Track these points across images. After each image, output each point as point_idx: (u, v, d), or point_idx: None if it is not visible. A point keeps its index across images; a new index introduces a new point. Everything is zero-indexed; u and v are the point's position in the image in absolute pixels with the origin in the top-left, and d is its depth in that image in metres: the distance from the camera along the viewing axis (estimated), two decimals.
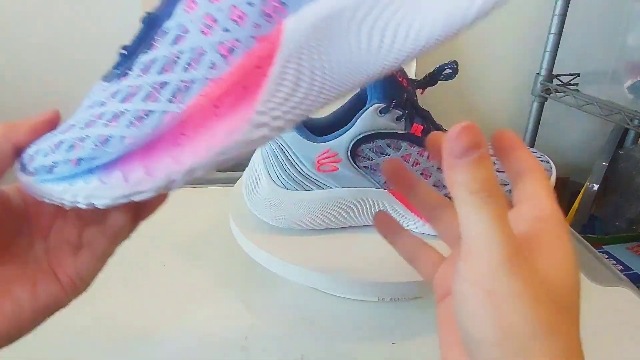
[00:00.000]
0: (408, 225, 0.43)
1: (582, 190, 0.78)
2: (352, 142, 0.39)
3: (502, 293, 0.18)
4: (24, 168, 0.21)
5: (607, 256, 0.65)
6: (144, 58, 0.20)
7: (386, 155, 0.40)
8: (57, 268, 0.24)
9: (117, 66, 0.21)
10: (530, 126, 0.82)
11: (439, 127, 0.42)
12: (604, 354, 0.38)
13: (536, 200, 0.22)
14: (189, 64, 0.19)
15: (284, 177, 0.41)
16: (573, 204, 0.80)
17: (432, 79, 0.41)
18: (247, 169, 0.45)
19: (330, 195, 0.41)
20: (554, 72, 0.78)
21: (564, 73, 0.78)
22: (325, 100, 0.20)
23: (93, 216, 0.24)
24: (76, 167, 0.20)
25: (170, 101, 0.19)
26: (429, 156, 0.41)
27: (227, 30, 0.19)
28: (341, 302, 0.43)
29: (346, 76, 0.19)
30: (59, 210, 0.24)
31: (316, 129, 0.40)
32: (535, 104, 0.80)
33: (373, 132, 0.39)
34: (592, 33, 0.77)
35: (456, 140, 0.19)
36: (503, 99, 0.85)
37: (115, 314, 0.42)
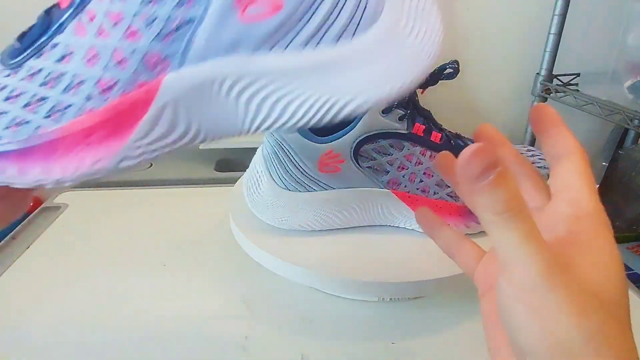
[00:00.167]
0: (411, 225, 0.43)
1: None
2: (355, 143, 0.39)
3: (546, 308, 0.18)
4: None
5: None
6: (32, 62, 0.20)
7: (389, 155, 0.40)
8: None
9: (12, 55, 0.21)
10: (530, 126, 0.82)
11: (439, 127, 0.42)
12: None
13: (572, 192, 0.22)
14: (69, 88, 0.20)
15: (286, 178, 0.41)
16: None
17: (432, 78, 0.41)
18: (247, 170, 0.45)
19: (333, 196, 0.41)
20: (554, 72, 0.78)
21: (564, 73, 0.78)
22: (203, 141, 0.21)
23: None
24: None
25: (46, 117, 0.20)
26: (431, 155, 0.41)
27: (108, 68, 0.19)
28: (341, 302, 0.43)
29: (222, 130, 0.21)
30: None
31: (317, 130, 0.40)
32: (535, 104, 0.80)
33: (376, 132, 0.39)
34: (592, 33, 0.77)
35: (468, 165, 0.18)
36: (503, 99, 0.85)
37: (115, 313, 0.42)
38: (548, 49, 0.76)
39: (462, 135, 0.44)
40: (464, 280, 0.39)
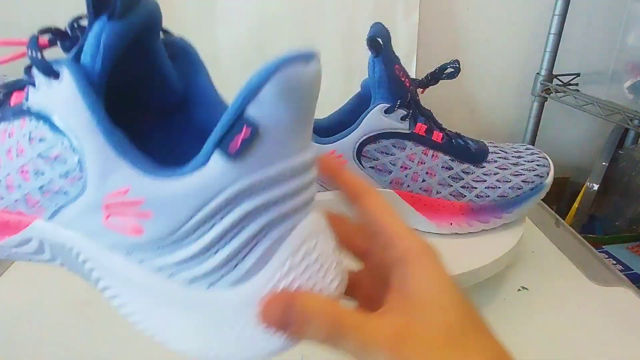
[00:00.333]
0: (414, 225, 0.43)
1: (582, 190, 0.78)
2: (358, 143, 0.39)
3: None
4: None
5: (607, 256, 0.65)
6: None
7: (391, 155, 0.40)
8: None
9: None
10: (530, 126, 0.82)
11: (440, 126, 0.42)
12: (604, 354, 0.38)
13: (385, 233, 0.22)
14: None
15: None
16: (573, 204, 0.79)
17: (433, 78, 0.41)
18: None
19: (336, 196, 0.41)
20: (554, 72, 0.78)
21: (564, 73, 0.78)
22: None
23: None
24: None
25: None
26: (433, 155, 0.41)
27: (1, 183, 0.22)
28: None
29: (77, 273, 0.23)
30: None
31: (318, 130, 0.40)
32: (535, 104, 0.80)
33: (378, 132, 0.39)
34: (592, 33, 0.77)
35: (267, 317, 0.19)
36: (503, 99, 0.85)
37: (116, 313, 0.42)
38: (548, 49, 0.76)
39: (462, 134, 0.44)
40: (463, 280, 0.40)
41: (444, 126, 0.43)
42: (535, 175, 0.43)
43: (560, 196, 0.88)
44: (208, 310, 0.19)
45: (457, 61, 0.40)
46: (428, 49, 0.78)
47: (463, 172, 0.42)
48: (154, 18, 0.21)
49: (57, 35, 0.21)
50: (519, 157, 0.45)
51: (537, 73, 0.79)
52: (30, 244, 0.23)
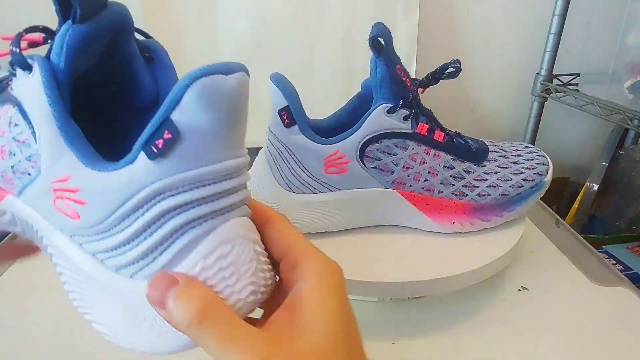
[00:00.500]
0: (416, 224, 0.43)
1: (582, 190, 0.78)
2: (361, 143, 0.39)
3: None
4: None
5: (607, 256, 0.65)
6: None
7: (394, 155, 0.40)
8: None
9: None
10: (530, 126, 0.82)
11: (441, 126, 0.42)
12: (604, 354, 0.38)
13: (289, 255, 0.22)
14: None
15: (291, 180, 0.41)
16: (573, 204, 0.80)
17: (434, 77, 0.41)
18: (249, 172, 0.44)
19: (338, 197, 0.41)
20: (554, 72, 0.78)
21: (564, 73, 0.78)
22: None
23: None
24: None
25: None
26: (435, 155, 0.41)
27: None
28: None
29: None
30: None
31: (319, 131, 0.40)
32: (535, 104, 0.80)
33: (381, 132, 0.39)
34: (592, 33, 0.77)
35: (150, 293, 0.19)
36: (503, 99, 0.85)
37: None
38: (548, 49, 0.76)
39: (461, 134, 0.44)
40: (463, 281, 0.40)
41: (444, 126, 0.43)
42: (535, 173, 0.43)
43: (560, 196, 0.88)
44: (129, 299, 0.21)
45: (458, 61, 0.40)
46: (428, 49, 0.78)
47: (464, 171, 0.42)
48: (121, 22, 0.23)
49: (47, 34, 0.23)
50: (518, 155, 0.45)
51: (537, 73, 0.79)
52: (6, 216, 0.26)
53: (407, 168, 0.40)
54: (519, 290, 0.45)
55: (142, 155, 0.18)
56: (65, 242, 0.22)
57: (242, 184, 0.21)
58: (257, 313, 0.24)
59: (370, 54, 0.38)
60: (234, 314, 0.19)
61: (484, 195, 0.42)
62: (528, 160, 0.44)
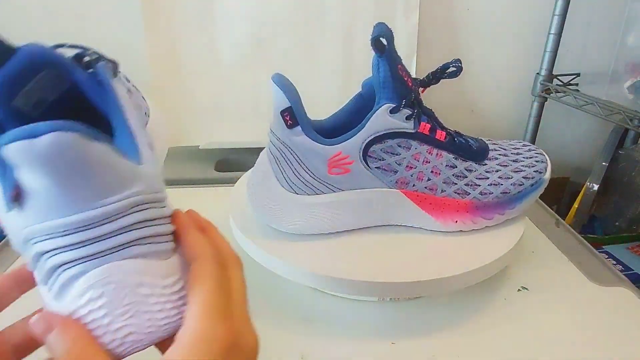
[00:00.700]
0: (419, 224, 0.43)
1: (582, 190, 0.78)
2: (364, 143, 0.39)
3: None
4: None
5: (607, 256, 0.65)
6: None
7: (397, 155, 0.40)
8: None
9: None
10: (530, 126, 0.82)
11: (442, 125, 0.42)
12: (604, 354, 0.38)
13: (187, 315, 0.22)
14: None
15: (294, 181, 0.40)
16: (573, 204, 0.80)
17: (435, 77, 0.41)
18: (250, 174, 0.43)
19: (342, 197, 0.41)
20: (554, 72, 0.78)
21: (564, 73, 0.78)
22: None
23: None
24: None
25: None
26: (437, 154, 0.41)
27: None
28: (341, 302, 0.43)
29: None
30: None
31: (321, 131, 0.40)
32: (535, 104, 0.80)
33: (384, 132, 0.39)
34: (592, 33, 0.77)
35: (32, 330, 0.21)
36: (503, 99, 0.85)
37: None
38: (548, 49, 0.76)
39: (461, 133, 0.44)
40: (463, 280, 0.40)
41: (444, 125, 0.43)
42: (535, 171, 0.44)
43: (560, 196, 0.88)
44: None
45: (459, 60, 0.40)
46: (428, 49, 0.78)
47: (466, 170, 0.42)
48: (41, 60, 0.23)
49: None
50: (517, 153, 0.45)
51: (537, 73, 0.79)
52: None
53: (411, 168, 0.40)
54: (519, 290, 0.45)
55: (10, 205, 0.21)
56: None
57: (126, 226, 0.21)
58: None
59: (370, 53, 0.38)
60: (103, 355, 0.20)
61: (486, 193, 0.42)
62: (527, 158, 0.45)
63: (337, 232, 0.43)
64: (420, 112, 0.40)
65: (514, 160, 0.44)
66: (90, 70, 0.24)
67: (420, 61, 0.76)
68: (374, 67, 0.38)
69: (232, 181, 0.53)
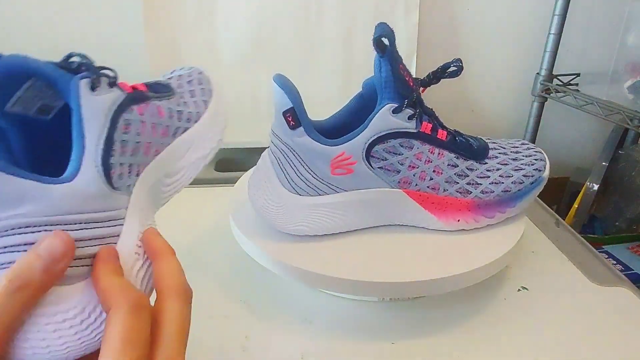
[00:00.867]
0: (422, 223, 0.43)
1: (582, 190, 0.78)
2: (367, 144, 0.39)
3: None
4: None
5: (607, 256, 0.65)
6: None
7: (399, 154, 0.40)
8: None
9: None
10: (530, 126, 0.82)
11: (442, 125, 0.42)
12: (604, 353, 0.38)
13: None
14: None
15: (296, 182, 0.40)
16: (573, 204, 0.80)
17: (436, 77, 0.41)
18: (252, 177, 0.43)
19: (346, 198, 0.41)
20: (554, 72, 0.78)
21: (564, 73, 0.78)
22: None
23: None
24: None
25: None
26: (439, 154, 0.41)
27: None
28: (341, 302, 0.43)
29: None
30: None
31: (322, 132, 0.40)
32: (535, 104, 0.80)
33: (387, 132, 0.39)
34: (592, 33, 0.77)
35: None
36: (503, 99, 0.85)
37: None
38: (548, 49, 0.76)
39: (461, 132, 0.44)
40: (463, 280, 0.40)
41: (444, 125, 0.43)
42: (534, 169, 0.44)
43: (560, 196, 0.88)
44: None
45: (460, 60, 0.40)
46: (428, 49, 0.78)
47: (468, 169, 0.42)
48: (21, 69, 0.23)
49: None
50: (517, 152, 0.46)
51: (537, 73, 0.79)
52: None
53: (413, 167, 0.41)
54: (519, 290, 0.45)
55: None
56: None
57: (4, 246, 0.21)
58: None
59: (370, 53, 0.38)
60: None
61: (487, 192, 0.42)
62: (526, 156, 0.45)
63: (339, 232, 0.43)
64: (422, 111, 0.40)
65: (513, 159, 0.44)
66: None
67: (420, 61, 0.76)
68: (375, 67, 0.38)
69: (232, 181, 0.53)
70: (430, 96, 0.46)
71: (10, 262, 0.20)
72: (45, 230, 0.21)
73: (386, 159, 0.40)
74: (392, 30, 0.38)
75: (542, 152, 0.46)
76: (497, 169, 0.43)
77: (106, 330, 0.21)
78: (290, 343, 0.39)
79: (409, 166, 0.40)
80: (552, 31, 0.74)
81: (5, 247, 0.21)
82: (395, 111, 0.38)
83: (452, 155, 0.41)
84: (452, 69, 0.40)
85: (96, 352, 0.21)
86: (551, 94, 0.78)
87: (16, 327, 0.20)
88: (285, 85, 0.37)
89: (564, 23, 0.74)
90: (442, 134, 0.41)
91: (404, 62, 0.40)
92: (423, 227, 0.44)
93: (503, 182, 0.43)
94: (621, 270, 0.56)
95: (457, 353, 0.38)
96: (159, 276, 0.24)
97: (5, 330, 0.20)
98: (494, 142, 0.46)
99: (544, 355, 0.38)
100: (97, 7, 0.72)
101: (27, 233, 0.21)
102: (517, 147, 0.46)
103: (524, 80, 0.82)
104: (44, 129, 0.25)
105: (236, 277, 0.46)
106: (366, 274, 0.38)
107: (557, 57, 0.76)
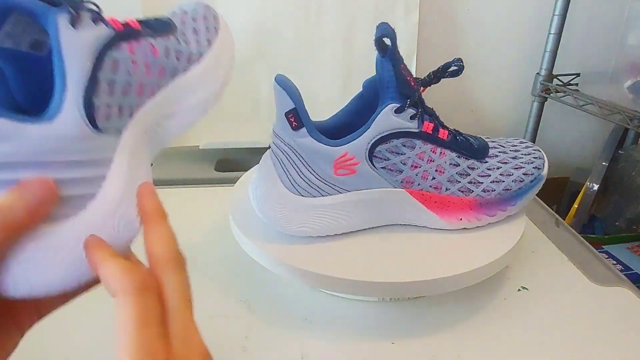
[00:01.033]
0: (424, 223, 0.43)
1: (582, 190, 0.78)
2: (370, 144, 0.39)
3: None
4: None
5: (607, 256, 0.65)
6: None
7: (402, 154, 0.40)
8: (19, 315, 0.25)
9: None
10: (530, 126, 0.82)
11: (443, 124, 0.42)
12: (604, 353, 0.38)
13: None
14: None
15: (299, 183, 0.40)
16: (573, 204, 0.80)
17: (436, 76, 0.41)
18: (253, 179, 0.43)
19: (349, 198, 0.41)
20: (554, 72, 0.78)
21: (564, 73, 0.78)
22: None
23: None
24: None
25: None
26: (441, 153, 0.41)
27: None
28: (341, 302, 0.44)
29: None
30: None
31: (323, 132, 0.40)
32: (535, 104, 0.80)
33: (389, 132, 0.39)
34: (592, 33, 0.77)
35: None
36: (503, 99, 0.85)
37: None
38: (548, 49, 0.76)
39: (461, 131, 0.44)
40: (463, 280, 0.40)
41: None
42: (534, 167, 0.44)
43: (560, 196, 0.88)
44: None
45: (460, 59, 0.40)
46: (428, 48, 0.78)
47: (469, 168, 0.42)
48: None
49: None
50: (516, 150, 0.46)
51: (537, 73, 0.79)
52: None
53: (415, 167, 0.41)
54: (519, 290, 0.45)
55: None
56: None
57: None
58: None
59: (370, 53, 0.38)
60: None
61: (488, 190, 0.42)
62: (526, 155, 0.45)
63: (341, 233, 0.43)
64: (424, 111, 0.40)
65: (513, 157, 0.45)
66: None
67: (420, 61, 0.76)
68: (377, 67, 0.38)
69: (232, 181, 0.53)
70: (430, 96, 0.46)
71: None
72: (25, 170, 0.21)
73: (389, 159, 0.40)
74: (394, 30, 0.38)
75: (541, 150, 0.47)
76: (498, 168, 0.43)
77: (118, 316, 0.21)
78: (290, 343, 0.39)
79: (412, 166, 0.40)
80: (552, 31, 0.74)
81: None
82: (397, 111, 0.38)
83: (454, 154, 0.42)
84: (452, 68, 0.40)
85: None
86: (551, 94, 0.78)
87: None
88: (287, 85, 0.37)
89: (564, 23, 0.74)
90: (443, 134, 0.41)
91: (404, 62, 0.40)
92: (425, 227, 0.44)
93: (504, 181, 0.43)
94: (621, 270, 0.56)
95: (457, 353, 0.38)
96: (149, 244, 0.24)
97: None
98: (493, 141, 0.46)
99: (544, 355, 0.38)
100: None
101: (3, 171, 0.21)
102: (515, 145, 0.47)
103: (524, 80, 0.82)
104: (43, 66, 0.24)
105: (236, 277, 0.46)
106: (366, 274, 0.38)
107: (557, 57, 0.76)
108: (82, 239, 0.23)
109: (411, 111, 0.39)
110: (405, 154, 0.40)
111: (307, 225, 0.41)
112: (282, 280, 0.42)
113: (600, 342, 0.39)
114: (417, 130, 0.39)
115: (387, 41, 0.37)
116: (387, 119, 0.38)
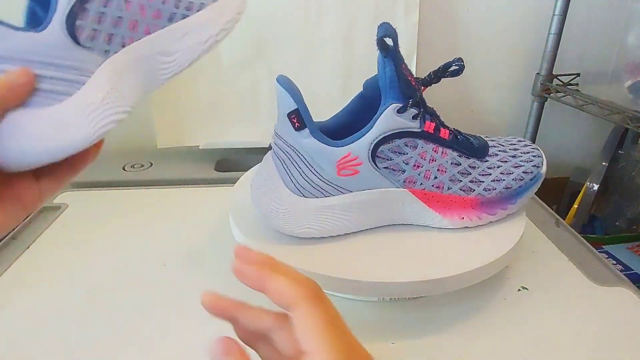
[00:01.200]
0: (426, 222, 0.43)
1: (582, 190, 0.78)
2: (373, 144, 0.39)
3: None
4: None
5: (607, 256, 0.65)
6: None
7: (404, 154, 0.40)
8: (23, 192, 0.28)
9: None
10: (530, 126, 0.82)
11: (444, 124, 0.42)
12: (604, 353, 0.38)
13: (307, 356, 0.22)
14: None
15: (302, 185, 0.40)
16: (573, 204, 0.80)
17: (437, 76, 0.41)
18: (254, 180, 0.43)
19: (351, 199, 0.41)
20: (554, 72, 0.78)
21: (564, 73, 0.78)
22: None
23: None
24: None
25: None
26: (442, 152, 0.41)
27: None
28: (341, 302, 0.43)
29: None
30: None
31: (324, 133, 0.40)
32: (535, 104, 0.80)
33: (392, 132, 0.39)
34: (592, 33, 0.77)
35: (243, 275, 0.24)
36: (503, 99, 0.85)
37: (116, 313, 0.42)
38: (548, 49, 0.76)
39: (461, 131, 0.44)
40: (463, 280, 0.40)
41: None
42: (533, 166, 0.44)
43: (560, 196, 0.88)
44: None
45: (461, 59, 0.40)
46: (428, 48, 0.78)
47: (470, 167, 0.42)
48: None
49: None
50: (515, 149, 0.46)
51: (537, 73, 0.79)
52: None
53: (418, 166, 0.41)
54: (519, 290, 0.45)
55: None
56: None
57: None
58: None
59: (370, 53, 0.38)
60: None
61: (489, 189, 0.42)
62: (525, 153, 0.45)
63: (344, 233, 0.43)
64: (425, 111, 0.40)
65: (512, 156, 0.45)
66: None
67: (420, 61, 0.76)
68: (379, 67, 0.38)
69: (232, 181, 0.53)
70: (431, 96, 0.46)
71: None
72: (11, 63, 0.25)
73: (391, 159, 0.40)
74: (395, 30, 0.38)
75: (539, 148, 0.47)
76: (498, 167, 0.43)
77: (299, 327, 0.22)
78: None
79: (414, 165, 0.40)
80: (552, 31, 0.74)
81: None
82: (399, 111, 0.38)
83: (455, 153, 0.42)
84: (453, 68, 0.40)
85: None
86: (551, 94, 0.78)
87: None
88: (289, 86, 0.37)
89: (564, 23, 0.74)
90: (444, 133, 0.41)
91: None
92: (424, 227, 0.44)
93: (504, 179, 0.43)
94: (621, 270, 0.56)
95: (457, 353, 0.38)
96: (277, 297, 0.24)
97: None
98: (493, 140, 0.47)
99: (544, 355, 0.38)
100: None
101: None
102: (514, 144, 0.47)
103: (524, 80, 0.82)
104: None
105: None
106: (366, 274, 0.38)
107: (557, 57, 0.76)
108: (55, 124, 0.26)
109: (413, 111, 0.39)
110: (407, 153, 0.40)
111: (311, 227, 0.41)
112: None
113: (600, 342, 0.39)
114: (419, 130, 0.39)
115: (389, 41, 0.37)
116: (389, 119, 0.38)
